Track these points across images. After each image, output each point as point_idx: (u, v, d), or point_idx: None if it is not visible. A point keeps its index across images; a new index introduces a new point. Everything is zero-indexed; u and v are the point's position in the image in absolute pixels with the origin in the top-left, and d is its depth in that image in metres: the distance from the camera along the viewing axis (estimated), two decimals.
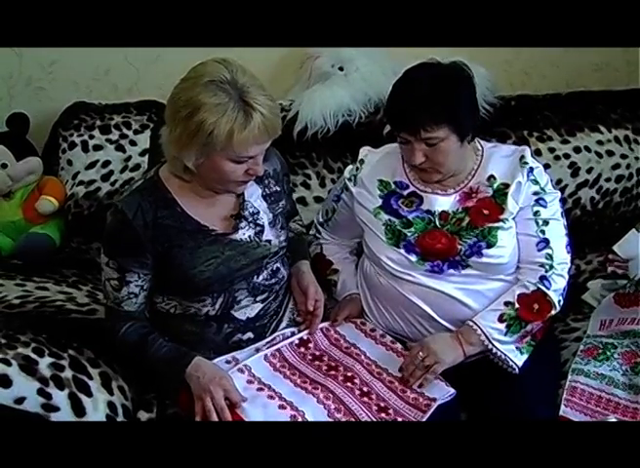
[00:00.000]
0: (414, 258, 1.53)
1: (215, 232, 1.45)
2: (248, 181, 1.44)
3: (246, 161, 1.37)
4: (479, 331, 1.47)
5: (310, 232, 1.75)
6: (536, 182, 1.53)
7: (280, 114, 1.40)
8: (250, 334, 1.52)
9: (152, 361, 1.43)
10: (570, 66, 2.34)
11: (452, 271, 1.51)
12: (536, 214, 1.52)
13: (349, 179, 1.63)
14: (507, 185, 1.53)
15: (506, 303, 1.49)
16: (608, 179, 2.10)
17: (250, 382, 1.44)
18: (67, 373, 1.40)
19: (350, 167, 1.67)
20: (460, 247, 1.51)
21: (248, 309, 1.50)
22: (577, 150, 2.08)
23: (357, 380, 1.47)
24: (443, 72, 1.48)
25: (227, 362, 1.48)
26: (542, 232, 1.51)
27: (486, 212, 1.51)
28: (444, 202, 1.55)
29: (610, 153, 2.10)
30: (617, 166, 2.11)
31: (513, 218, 1.52)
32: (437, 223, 1.54)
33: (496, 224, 1.50)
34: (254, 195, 1.52)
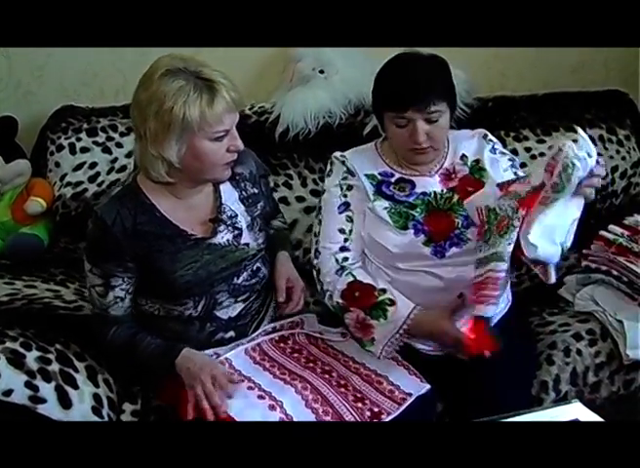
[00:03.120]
0: (422, 239, 1.58)
1: (194, 236, 1.47)
2: (231, 163, 1.46)
3: (224, 136, 1.39)
4: None
5: (326, 280, 1.59)
6: (503, 153, 1.69)
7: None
8: (232, 333, 1.54)
9: (142, 359, 1.47)
10: (547, 68, 2.40)
11: (454, 250, 1.57)
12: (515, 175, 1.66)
13: (344, 178, 1.63)
14: (479, 160, 1.66)
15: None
16: None
17: (230, 374, 1.48)
18: (54, 367, 1.43)
19: (331, 176, 1.65)
20: (457, 220, 1.59)
21: (230, 309, 1.53)
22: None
23: (334, 374, 1.51)
24: (432, 56, 1.57)
25: (209, 356, 1.52)
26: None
27: (470, 189, 1.60)
28: (433, 183, 1.63)
29: None
30: None
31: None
32: (434, 203, 1.61)
33: None
34: (231, 198, 1.54)
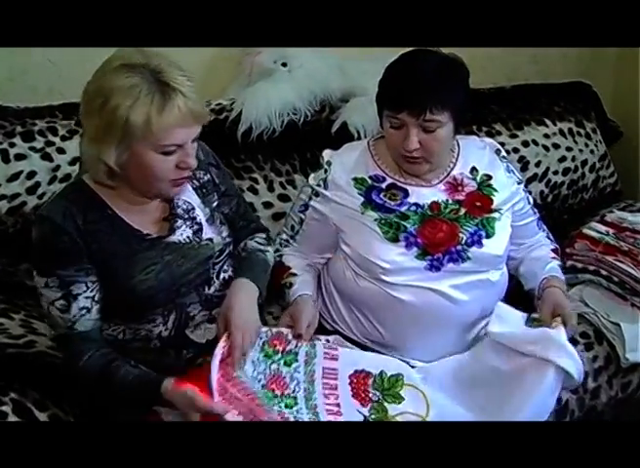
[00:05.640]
0: (414, 252, 1.47)
1: (149, 236, 1.34)
2: (182, 181, 1.31)
3: (174, 151, 1.25)
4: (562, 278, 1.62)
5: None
6: (514, 174, 1.62)
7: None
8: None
9: (118, 392, 1.29)
10: (508, 59, 2.35)
11: (451, 265, 1.48)
12: (527, 200, 1.64)
13: (318, 185, 1.55)
14: (490, 177, 1.56)
15: (553, 258, 1.65)
16: (555, 172, 2.13)
17: None
18: (12, 421, 1.24)
19: (314, 174, 1.58)
20: (461, 235, 1.49)
21: (207, 332, 1.40)
22: (525, 144, 2.10)
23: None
24: (446, 58, 1.46)
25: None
26: (535, 213, 1.67)
27: (478, 204, 1.53)
28: (430, 193, 1.53)
29: (556, 146, 2.14)
30: (563, 158, 2.14)
31: (506, 210, 1.56)
32: (430, 214, 1.50)
33: (492, 215, 1.53)
34: (184, 192, 1.40)
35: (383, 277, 1.48)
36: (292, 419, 1.32)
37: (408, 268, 1.48)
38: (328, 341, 1.46)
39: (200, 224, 1.40)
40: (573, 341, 1.65)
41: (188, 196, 1.41)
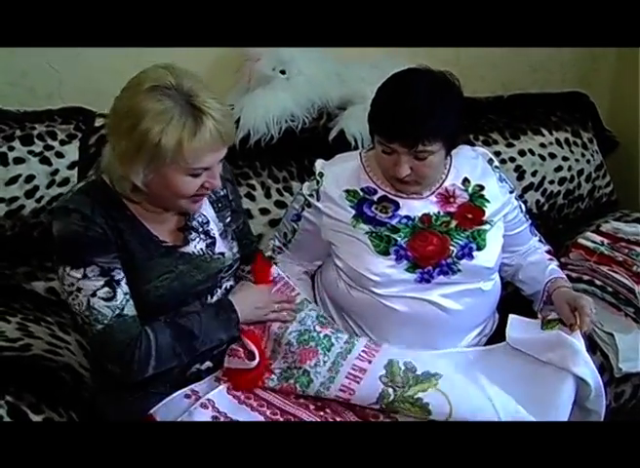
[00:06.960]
0: (404, 265, 1.47)
1: (165, 244, 1.34)
2: (201, 197, 1.33)
3: (200, 174, 1.26)
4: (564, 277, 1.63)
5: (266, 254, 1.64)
6: (506, 183, 1.61)
7: (233, 118, 1.31)
8: (208, 363, 1.41)
9: (203, 332, 1.35)
10: (507, 68, 2.35)
11: (441, 278, 1.48)
12: (520, 208, 1.64)
13: (310, 195, 1.55)
14: (482, 187, 1.55)
15: (550, 259, 1.66)
16: (551, 182, 2.12)
17: (215, 418, 1.32)
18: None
19: (307, 183, 1.58)
20: (452, 248, 1.48)
21: None
22: (521, 153, 2.09)
23: (328, 410, 1.37)
24: (439, 82, 1.43)
25: (187, 396, 1.36)
26: (527, 219, 1.67)
27: (470, 215, 1.52)
28: (422, 205, 1.52)
29: (552, 156, 2.12)
30: (559, 168, 2.13)
31: (497, 220, 1.55)
32: (420, 226, 1.50)
33: (483, 227, 1.52)
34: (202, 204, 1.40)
35: (374, 289, 1.49)
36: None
37: (398, 280, 1.48)
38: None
39: (213, 238, 1.41)
40: None
41: (204, 209, 1.42)
